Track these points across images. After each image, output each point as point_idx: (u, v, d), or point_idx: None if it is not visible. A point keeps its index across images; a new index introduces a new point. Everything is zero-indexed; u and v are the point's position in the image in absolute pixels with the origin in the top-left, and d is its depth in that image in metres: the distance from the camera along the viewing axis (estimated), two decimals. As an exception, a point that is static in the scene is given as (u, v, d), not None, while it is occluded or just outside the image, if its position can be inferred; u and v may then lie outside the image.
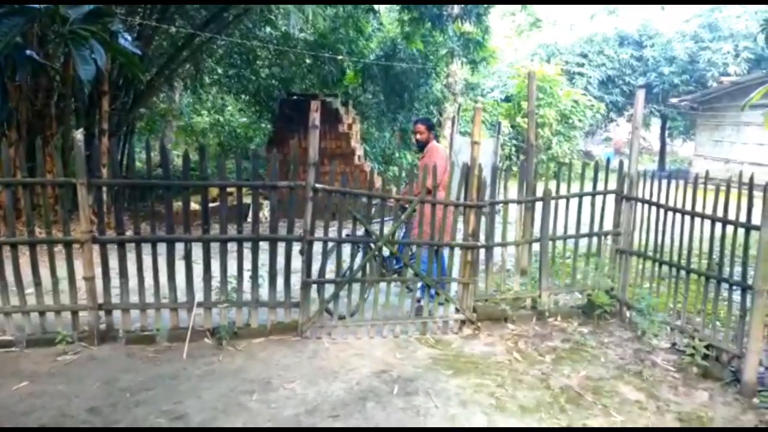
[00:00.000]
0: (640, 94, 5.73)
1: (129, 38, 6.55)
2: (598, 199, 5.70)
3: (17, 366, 4.33)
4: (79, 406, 3.75)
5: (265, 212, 8.94)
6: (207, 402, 3.85)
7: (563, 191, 5.75)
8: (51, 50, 9.12)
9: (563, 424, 3.67)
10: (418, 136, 5.91)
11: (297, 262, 5.06)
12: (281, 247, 5.04)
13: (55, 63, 9.13)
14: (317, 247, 5.14)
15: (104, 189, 5.09)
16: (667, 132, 26.61)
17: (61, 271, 4.73)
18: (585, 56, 23.63)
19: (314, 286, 5.13)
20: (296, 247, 5.07)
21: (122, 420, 3.59)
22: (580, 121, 20.16)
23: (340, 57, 13.52)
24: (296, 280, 5.07)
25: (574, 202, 5.70)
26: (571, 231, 5.76)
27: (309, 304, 5.04)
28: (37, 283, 4.73)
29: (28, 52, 6.30)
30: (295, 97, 13.70)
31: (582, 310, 5.63)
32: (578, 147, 21.94)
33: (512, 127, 19.27)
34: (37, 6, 5.58)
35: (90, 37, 5.52)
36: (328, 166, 12.55)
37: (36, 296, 4.75)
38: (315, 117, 4.91)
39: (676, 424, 3.70)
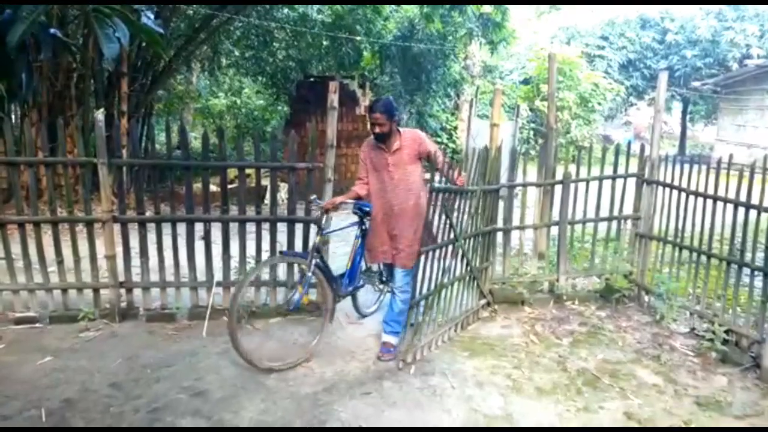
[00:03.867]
0: (663, 77, 5.63)
1: (151, 16, 6.54)
2: (618, 183, 5.64)
3: (41, 342, 4.42)
4: (101, 381, 3.83)
5: (282, 194, 8.96)
6: (227, 379, 3.90)
7: (583, 175, 5.69)
8: (71, 30, 9.17)
9: (580, 406, 3.67)
10: (378, 129, 4.15)
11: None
12: (299, 229, 5.07)
13: (75, 42, 9.19)
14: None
15: (124, 169, 5.13)
16: (688, 116, 26.19)
17: (83, 249, 4.81)
18: (606, 39, 23.24)
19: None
20: (314, 229, 5.08)
21: (144, 395, 3.66)
22: (599, 104, 19.85)
23: (357, 38, 13.44)
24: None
25: (593, 186, 5.65)
26: (590, 215, 5.71)
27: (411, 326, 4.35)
28: (60, 261, 4.81)
29: (51, 31, 6.33)
30: (312, 79, 13.68)
31: (600, 294, 5.60)
32: (597, 131, 21.67)
33: (531, 110, 19.06)
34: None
35: (113, 15, 5.52)
36: (345, 149, 12.63)
37: (58, 274, 4.85)
38: (333, 98, 4.90)
39: (694, 408, 3.68)
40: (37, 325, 4.71)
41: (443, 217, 4.34)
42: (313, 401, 3.64)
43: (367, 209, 4.54)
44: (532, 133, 19.00)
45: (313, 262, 4.22)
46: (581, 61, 19.93)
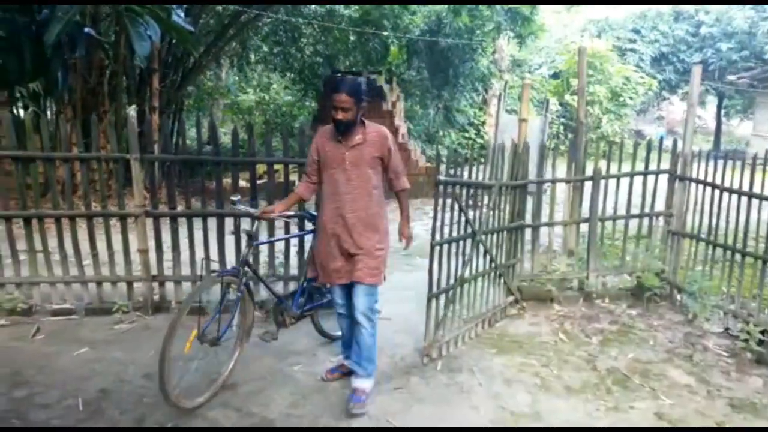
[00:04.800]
0: (697, 71, 5.51)
1: (182, 14, 6.64)
2: (650, 179, 5.55)
3: (77, 333, 4.54)
4: (135, 372, 3.91)
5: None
6: (255, 372, 3.96)
7: (613, 170, 5.61)
8: (104, 28, 9.35)
9: (609, 405, 3.63)
10: (340, 115, 3.38)
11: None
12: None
13: (107, 40, 9.36)
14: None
15: (156, 164, 5.22)
16: (723, 111, 25.58)
17: (117, 243, 4.91)
18: (637, 32, 22.85)
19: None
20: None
21: (176, 386, 3.72)
22: (631, 99, 19.55)
23: (384, 33, 13.43)
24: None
25: (624, 182, 5.56)
26: (621, 211, 5.63)
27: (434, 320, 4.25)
28: (95, 254, 4.92)
29: (86, 29, 6.47)
30: (339, 75, 13.71)
31: (631, 292, 5.52)
32: (629, 126, 21.32)
33: (561, 104, 18.86)
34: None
35: (145, 14, 5.62)
36: (372, 144, 12.64)
37: (93, 267, 4.96)
38: (361, 94, 4.90)
39: (728, 410, 3.61)
40: (73, 316, 4.83)
41: (457, 210, 4.30)
42: (341, 396, 3.67)
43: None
44: (562, 127, 18.80)
45: (243, 280, 3.62)
46: (612, 55, 19.65)
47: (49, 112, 10.34)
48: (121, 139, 4.98)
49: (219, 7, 11.91)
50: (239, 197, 3.92)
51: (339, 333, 4.16)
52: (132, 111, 4.83)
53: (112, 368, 3.96)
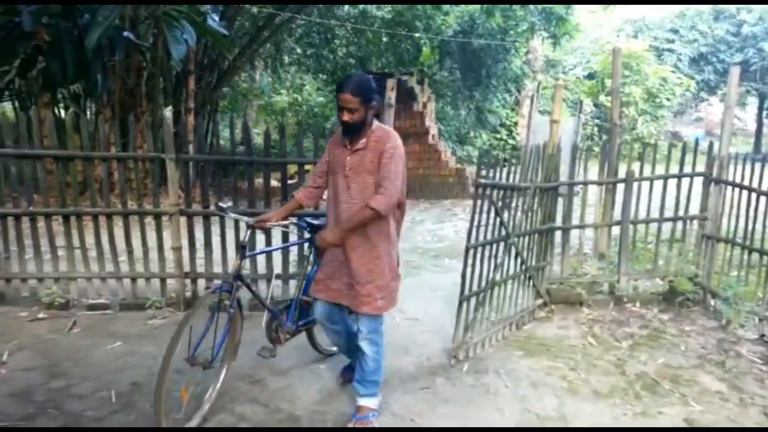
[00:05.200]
0: (735, 71, 5.39)
1: (217, 18, 6.80)
2: (685, 182, 5.44)
3: (112, 327, 4.68)
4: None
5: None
6: (283, 369, 4.02)
7: (647, 173, 5.52)
8: (142, 31, 9.60)
9: (638, 410, 3.58)
10: (346, 116, 3.06)
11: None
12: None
13: (145, 43, 9.61)
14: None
15: (191, 164, 5.33)
16: (765, 112, 24.84)
17: (151, 241, 5.04)
18: (676, 32, 22.36)
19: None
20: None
21: (204, 381, 3.81)
22: (668, 100, 19.15)
23: (416, 34, 13.45)
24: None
25: (658, 184, 5.47)
26: (654, 214, 5.54)
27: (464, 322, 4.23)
28: (130, 251, 5.07)
29: (125, 33, 6.67)
30: (370, 76, 13.77)
31: (663, 296, 5.42)
32: (666, 127, 20.88)
33: (595, 105, 18.60)
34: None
35: (181, 18, 5.78)
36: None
37: (128, 264, 5.10)
38: (390, 96, 4.95)
39: (762, 418, 3.53)
40: (108, 311, 4.98)
41: (491, 212, 4.28)
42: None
43: (317, 224, 3.63)
44: (596, 129, 18.52)
45: (236, 295, 3.31)
46: (649, 55, 19.29)
47: (88, 113, 10.67)
48: (158, 139, 5.11)
49: (254, 10, 12.10)
50: (229, 203, 3.69)
51: (336, 349, 3.89)
52: (168, 112, 4.95)
53: (144, 362, 4.07)
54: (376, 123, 3.20)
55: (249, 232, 3.45)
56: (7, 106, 15.61)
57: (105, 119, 8.34)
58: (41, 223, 5.04)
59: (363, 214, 3.05)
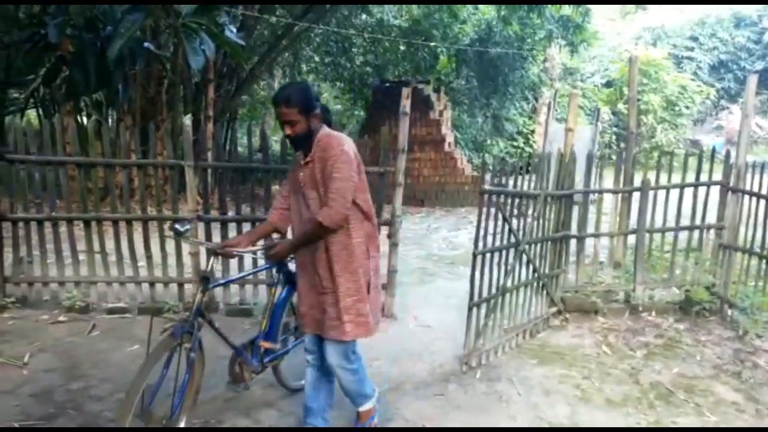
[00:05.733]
0: (753, 79, 5.37)
1: (234, 30, 6.94)
2: (702, 191, 5.41)
3: (131, 330, 4.77)
4: (183, 370, 4.07)
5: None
6: (297, 373, 4.04)
7: (663, 181, 5.50)
8: (163, 41, 9.79)
9: (651, 420, 3.57)
10: (288, 130, 2.82)
11: (384, 246, 5.17)
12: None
13: (165, 53, 9.79)
14: (409, 233, 5.20)
15: (209, 171, 5.43)
16: (787, 120, 24.48)
17: (170, 246, 5.13)
18: (695, 39, 22.19)
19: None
20: (384, 231, 5.19)
21: (219, 385, 3.86)
22: (687, 108, 18.99)
23: (433, 43, 13.52)
24: (383, 263, 5.19)
25: (675, 193, 5.44)
26: (671, 223, 5.51)
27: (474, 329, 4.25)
28: (149, 256, 5.17)
29: (145, 44, 6.83)
30: (387, 84, 13.87)
31: (679, 306, 5.38)
32: (685, 135, 20.67)
33: (613, 113, 18.48)
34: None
35: (200, 30, 5.92)
36: (418, 153, 12.74)
37: (147, 268, 5.20)
38: (405, 104, 4.99)
39: (777, 430, 3.50)
40: (127, 315, 5.08)
41: (501, 220, 4.30)
42: (384, 396, 3.72)
43: None
44: (614, 137, 18.41)
45: (198, 335, 2.95)
46: (668, 63, 19.14)
47: (110, 121, 10.87)
48: (177, 147, 5.22)
49: (272, 19, 12.27)
50: (188, 226, 3.15)
51: (303, 383, 3.42)
52: (187, 120, 5.05)
53: (161, 365, 4.13)
54: (324, 131, 2.90)
55: (213, 259, 3.06)
56: (32, 114, 15.96)
57: (126, 127, 8.49)
58: (63, 228, 5.16)
59: (308, 228, 2.87)
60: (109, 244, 5.16)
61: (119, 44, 5.76)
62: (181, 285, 5.22)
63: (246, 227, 5.15)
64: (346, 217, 2.83)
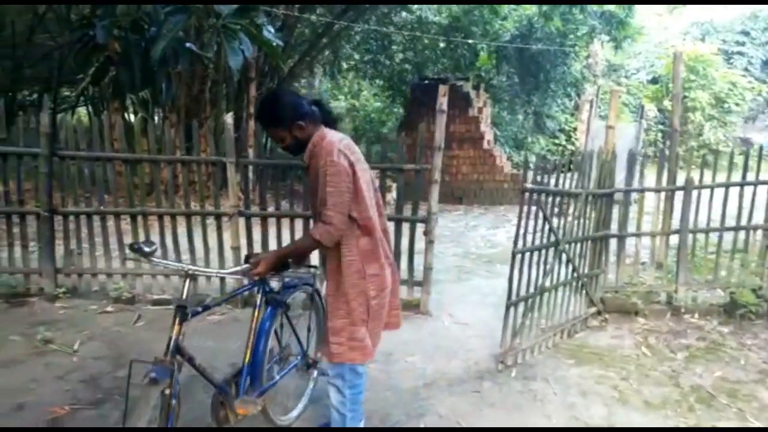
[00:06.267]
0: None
1: (272, 30, 7.07)
2: (749, 190, 5.25)
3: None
4: (222, 360, 4.19)
5: (392, 194, 9.21)
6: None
7: (708, 180, 5.36)
8: (205, 41, 10.03)
9: (690, 423, 3.50)
10: (281, 145, 2.82)
11: (420, 243, 5.21)
12: (405, 227, 5.21)
13: (208, 53, 10.02)
14: (446, 231, 5.20)
15: (250, 168, 5.54)
16: None
17: (212, 240, 5.27)
18: (747, 34, 21.41)
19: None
20: (420, 228, 5.21)
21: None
22: (737, 105, 18.38)
23: (472, 40, 13.43)
24: (419, 260, 5.22)
25: (720, 192, 5.30)
26: (716, 223, 5.37)
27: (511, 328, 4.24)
28: (192, 249, 5.31)
29: (188, 44, 7.03)
30: (426, 81, 13.85)
31: (723, 308, 5.24)
32: (735, 133, 20.01)
33: (659, 110, 18.03)
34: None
35: (239, 30, 6.08)
36: (456, 150, 12.70)
37: (190, 261, 5.34)
38: (442, 101, 5.00)
39: (825, 437, 3.38)
40: (170, 306, 5.22)
41: (541, 218, 4.26)
42: (413, 394, 3.76)
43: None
44: (659, 135, 17.96)
45: (176, 376, 2.56)
46: (717, 59, 18.56)
47: (156, 118, 11.19)
48: (220, 144, 5.36)
49: (313, 17, 12.40)
50: (154, 246, 2.72)
51: (294, 414, 3.37)
52: (229, 118, 5.17)
53: (202, 355, 4.19)
54: (318, 135, 2.75)
55: (189, 283, 2.64)
56: (82, 111, 16.58)
57: (171, 124, 8.76)
58: (111, 222, 5.35)
59: (303, 242, 2.86)
60: (154, 238, 5.31)
61: (162, 45, 5.97)
62: (222, 278, 5.35)
63: (285, 222, 5.25)
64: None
